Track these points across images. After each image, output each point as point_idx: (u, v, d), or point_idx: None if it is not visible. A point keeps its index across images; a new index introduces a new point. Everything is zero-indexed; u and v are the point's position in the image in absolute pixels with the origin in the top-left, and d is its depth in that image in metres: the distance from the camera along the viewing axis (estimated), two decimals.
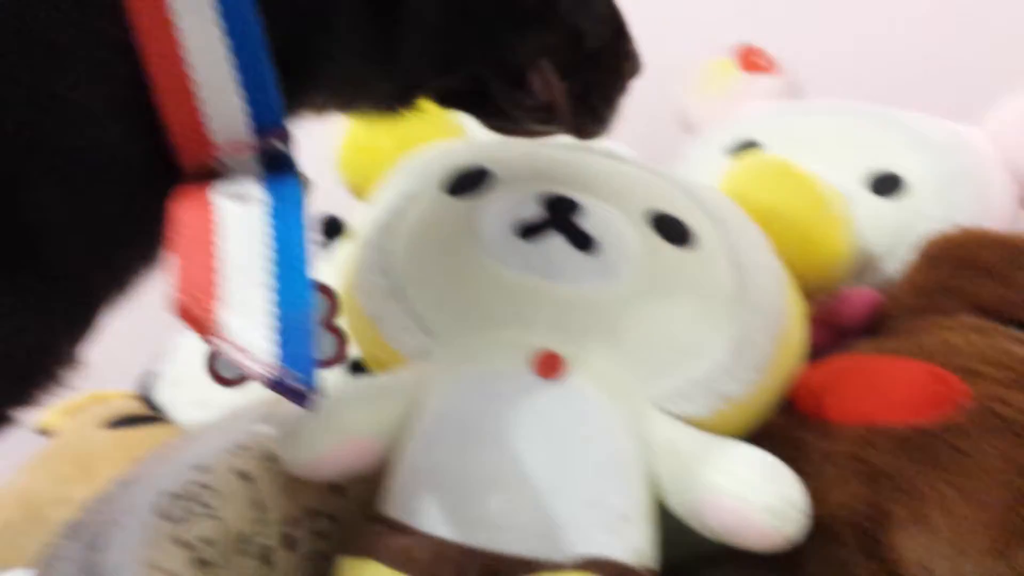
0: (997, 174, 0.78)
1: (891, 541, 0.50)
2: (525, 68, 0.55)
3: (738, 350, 0.55)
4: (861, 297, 0.69)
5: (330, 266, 0.63)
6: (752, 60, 0.94)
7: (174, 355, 0.83)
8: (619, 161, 0.64)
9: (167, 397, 0.81)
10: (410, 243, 0.58)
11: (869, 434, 0.54)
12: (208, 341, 0.38)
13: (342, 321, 0.51)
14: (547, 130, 0.59)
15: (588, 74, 0.57)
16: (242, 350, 0.37)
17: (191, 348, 0.78)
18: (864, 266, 0.74)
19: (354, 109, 0.53)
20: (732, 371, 0.55)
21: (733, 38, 0.96)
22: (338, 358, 0.48)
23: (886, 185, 0.77)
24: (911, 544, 0.50)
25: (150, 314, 0.45)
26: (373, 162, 0.66)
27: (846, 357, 0.61)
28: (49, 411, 0.78)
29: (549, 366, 0.52)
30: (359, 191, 0.65)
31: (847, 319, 0.68)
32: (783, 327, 0.57)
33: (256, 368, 0.37)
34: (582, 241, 0.55)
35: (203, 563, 0.49)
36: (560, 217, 0.55)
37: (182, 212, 0.42)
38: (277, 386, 0.37)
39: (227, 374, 0.47)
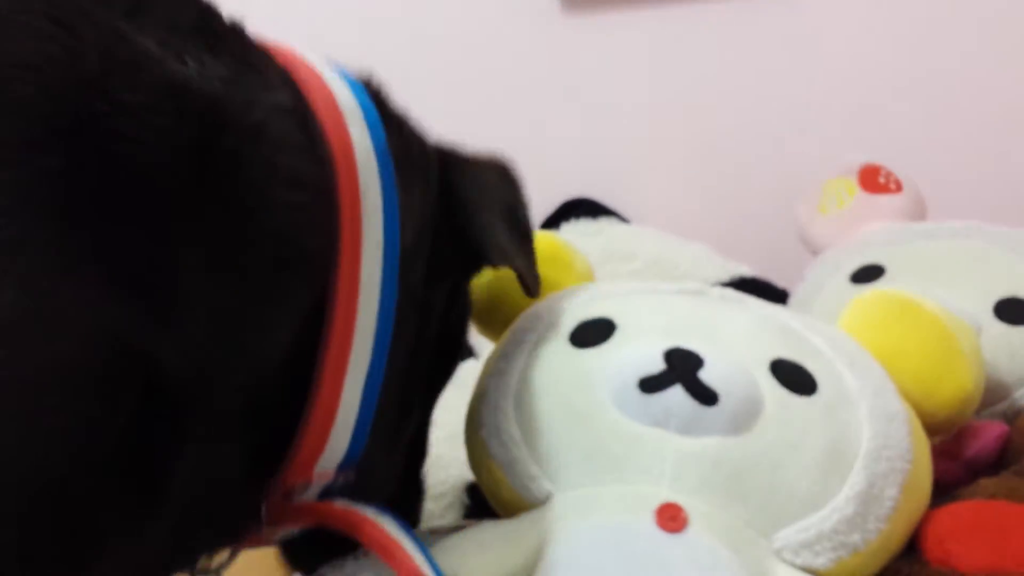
0: None
1: None
2: None
3: (864, 502, 0.55)
4: (990, 431, 0.68)
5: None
6: (875, 179, 0.94)
7: None
8: (741, 305, 0.65)
9: None
10: (536, 393, 0.60)
11: None
12: None
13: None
14: None
15: None
16: None
17: None
18: (995, 396, 0.73)
19: None
20: (858, 523, 0.55)
21: (857, 156, 0.97)
22: None
23: (1017, 312, 0.76)
24: None
25: None
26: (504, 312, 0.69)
27: (973, 503, 0.60)
28: None
29: (671, 518, 0.53)
30: (489, 335, 0.69)
31: (975, 453, 0.67)
32: (910, 474, 0.57)
33: None
34: (704, 395, 0.56)
35: None
36: (682, 372, 0.57)
37: (352, 518, 0.52)
38: None
39: None
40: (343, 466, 0.54)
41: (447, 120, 0.63)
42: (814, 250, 0.95)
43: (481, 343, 0.76)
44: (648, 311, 0.63)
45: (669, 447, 0.56)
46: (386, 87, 0.60)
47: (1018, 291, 0.77)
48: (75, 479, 0.41)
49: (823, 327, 0.65)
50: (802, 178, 0.96)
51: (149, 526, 0.46)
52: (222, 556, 0.57)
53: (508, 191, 0.63)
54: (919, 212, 0.93)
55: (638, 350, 0.59)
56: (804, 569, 0.54)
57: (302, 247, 0.48)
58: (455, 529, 0.60)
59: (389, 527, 0.52)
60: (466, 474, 0.78)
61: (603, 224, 1.14)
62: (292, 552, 0.63)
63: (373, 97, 0.57)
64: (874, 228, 0.89)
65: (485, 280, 0.69)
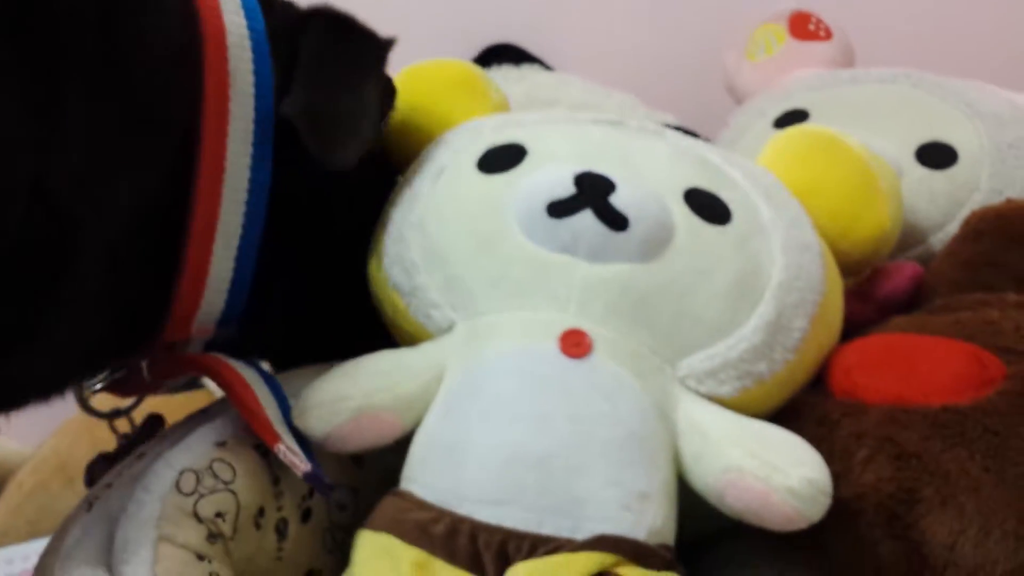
0: None
1: (918, 522, 0.50)
2: None
3: (773, 332, 0.54)
4: (903, 271, 0.67)
5: None
6: (805, 26, 0.92)
7: None
8: (659, 136, 0.63)
9: None
10: (441, 219, 0.58)
11: (901, 414, 0.53)
12: (276, 451, 0.51)
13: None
14: None
15: None
16: (294, 456, 0.51)
17: None
18: (912, 239, 0.73)
19: None
20: (765, 353, 0.54)
21: (786, 3, 0.95)
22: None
23: (939, 157, 0.75)
24: (938, 526, 0.49)
25: None
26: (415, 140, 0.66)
27: (881, 336, 0.59)
28: None
29: (575, 344, 0.52)
30: (399, 166, 0.66)
31: (887, 293, 0.67)
32: (820, 306, 0.57)
33: (301, 467, 0.50)
34: (615, 219, 0.54)
35: (219, 537, 0.50)
36: (592, 195, 0.55)
37: (222, 369, 0.54)
38: (312, 479, 0.51)
39: None
40: (221, 322, 0.57)
41: None
42: (740, 98, 0.93)
43: None
44: (561, 137, 0.61)
45: (577, 273, 0.54)
46: None
47: (941, 136, 0.76)
48: None
49: (742, 161, 0.63)
50: (731, 25, 0.93)
51: (24, 348, 0.49)
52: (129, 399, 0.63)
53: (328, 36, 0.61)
54: (848, 61, 0.92)
55: (548, 174, 0.57)
56: (708, 397, 0.54)
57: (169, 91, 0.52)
58: None
59: (245, 372, 0.54)
60: None
61: (526, 71, 1.11)
62: None
63: None
64: (801, 75, 0.87)
65: (394, 119, 0.66)
